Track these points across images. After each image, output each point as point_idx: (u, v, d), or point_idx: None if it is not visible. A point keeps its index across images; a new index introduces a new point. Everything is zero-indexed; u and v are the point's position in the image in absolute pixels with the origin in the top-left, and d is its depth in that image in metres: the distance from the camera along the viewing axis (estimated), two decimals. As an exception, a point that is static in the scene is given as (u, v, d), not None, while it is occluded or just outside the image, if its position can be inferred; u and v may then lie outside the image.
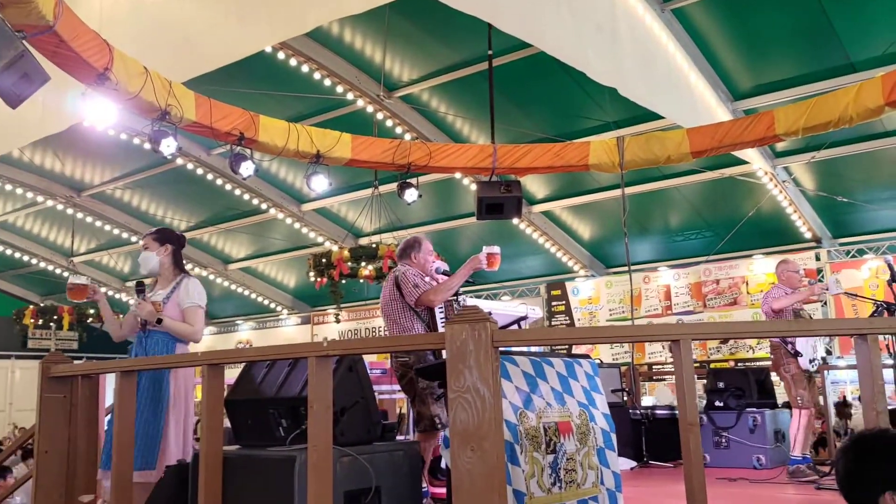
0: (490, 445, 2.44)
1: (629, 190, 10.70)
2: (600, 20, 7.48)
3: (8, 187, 14.01)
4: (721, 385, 7.10)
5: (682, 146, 7.84)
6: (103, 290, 4.52)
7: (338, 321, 15.48)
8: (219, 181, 13.02)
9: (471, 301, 4.68)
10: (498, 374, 2.56)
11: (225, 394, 3.49)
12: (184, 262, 4.47)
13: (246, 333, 18.40)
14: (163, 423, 3.93)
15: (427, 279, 4.69)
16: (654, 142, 8.08)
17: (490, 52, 8.51)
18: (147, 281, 4.33)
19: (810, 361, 5.91)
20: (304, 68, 9.92)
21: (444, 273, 4.78)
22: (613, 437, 3.74)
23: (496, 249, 4.65)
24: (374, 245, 10.40)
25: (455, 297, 4.56)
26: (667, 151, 7.93)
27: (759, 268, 12.27)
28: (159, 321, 4.07)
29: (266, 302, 18.14)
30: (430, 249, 4.87)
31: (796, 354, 5.89)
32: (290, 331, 17.85)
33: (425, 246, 4.84)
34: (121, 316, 4.47)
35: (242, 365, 3.79)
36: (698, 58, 9.02)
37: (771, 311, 6.11)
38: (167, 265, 4.29)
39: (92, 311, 15.51)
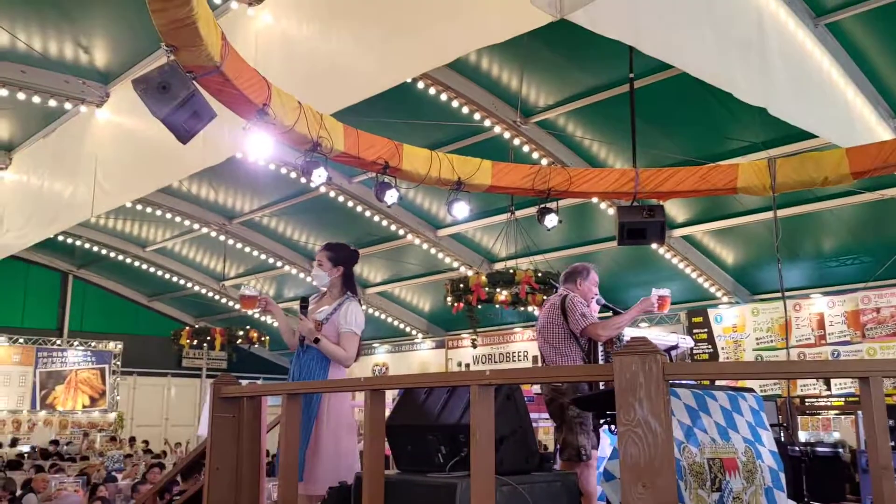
0: (663, 482, 2.35)
1: (778, 213, 10.17)
2: (748, 37, 7.19)
3: (168, 216, 15.10)
4: (892, 423, 6.56)
5: (841, 167, 7.35)
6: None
7: (474, 346, 15.56)
8: (359, 208, 13.47)
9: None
10: (668, 407, 2.48)
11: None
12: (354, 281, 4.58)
13: (382, 356, 18.80)
14: (309, 436, 4.04)
15: (592, 308, 4.72)
16: (809, 163, 7.63)
17: (631, 75, 8.35)
18: (311, 297, 4.52)
19: None
20: (443, 97, 10.12)
21: (604, 306, 4.80)
22: (782, 476, 3.54)
23: (667, 292, 4.61)
24: (510, 270, 10.41)
25: None
26: (823, 173, 7.46)
27: (926, 296, 11.33)
28: (316, 340, 4.21)
29: (401, 325, 18.50)
30: (596, 280, 4.92)
31: None
32: (424, 354, 18.10)
33: (592, 276, 4.89)
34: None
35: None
36: (856, 73, 8.50)
37: None
38: (337, 284, 4.46)
39: (241, 333, 16.35)
